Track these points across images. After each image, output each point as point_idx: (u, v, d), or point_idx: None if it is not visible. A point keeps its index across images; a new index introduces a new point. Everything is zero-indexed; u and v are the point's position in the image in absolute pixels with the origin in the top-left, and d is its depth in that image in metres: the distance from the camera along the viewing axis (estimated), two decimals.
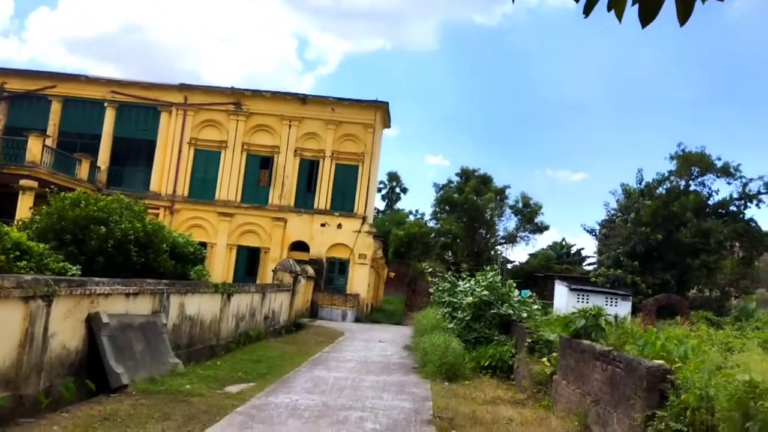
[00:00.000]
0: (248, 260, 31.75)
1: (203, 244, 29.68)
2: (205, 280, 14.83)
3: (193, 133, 32.67)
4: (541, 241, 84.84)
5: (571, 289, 37.01)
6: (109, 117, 32.89)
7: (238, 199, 32.06)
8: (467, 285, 17.00)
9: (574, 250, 64.02)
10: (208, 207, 31.88)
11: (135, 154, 34.13)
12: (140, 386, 9.08)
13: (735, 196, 39.68)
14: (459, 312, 16.14)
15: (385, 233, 48.10)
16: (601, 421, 7.76)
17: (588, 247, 78.16)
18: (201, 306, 13.39)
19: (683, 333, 9.17)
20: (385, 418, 8.72)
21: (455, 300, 16.83)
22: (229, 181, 32.11)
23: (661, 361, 6.62)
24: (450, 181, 57.25)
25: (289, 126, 32.18)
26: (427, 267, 20.63)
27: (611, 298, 36.21)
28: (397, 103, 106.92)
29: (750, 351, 9.67)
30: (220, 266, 30.59)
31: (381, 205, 71.03)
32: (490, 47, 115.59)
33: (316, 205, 31.53)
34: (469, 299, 15.82)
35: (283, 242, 31.18)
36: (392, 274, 44.18)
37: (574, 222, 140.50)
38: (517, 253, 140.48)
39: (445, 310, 17.31)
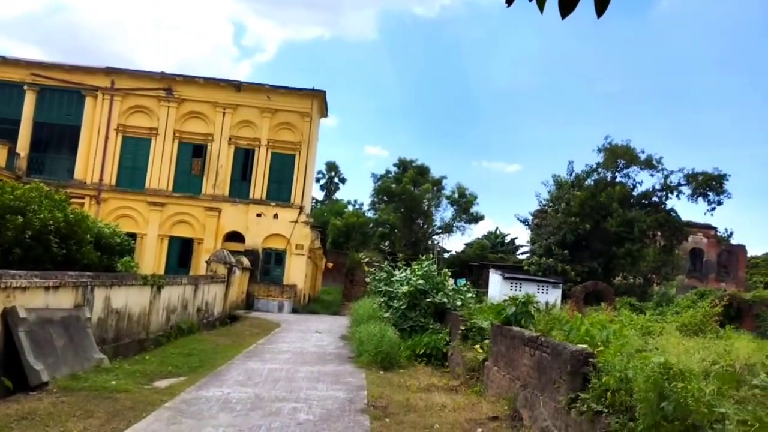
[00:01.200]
0: (181, 251, 30.84)
1: (132, 235, 28.65)
2: (133, 272, 14.30)
3: (120, 119, 31.34)
4: (476, 231, 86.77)
5: (505, 278, 38.09)
6: (29, 101, 31.11)
7: (170, 188, 31.04)
8: (403, 274, 17.15)
9: (508, 239, 65.74)
10: (138, 196, 30.72)
11: (58, 140, 32.42)
12: (62, 383, 8.68)
13: (657, 187, 41.73)
14: (395, 301, 16.27)
15: (324, 223, 47.87)
16: (529, 405, 8.01)
17: (522, 236, 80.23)
18: (129, 299, 12.91)
19: (606, 318, 9.57)
20: (319, 408, 8.69)
21: (391, 289, 16.94)
22: (160, 170, 31.03)
23: (584, 346, 6.87)
24: (388, 172, 57.54)
25: (223, 113, 31.37)
26: (363, 257, 20.60)
27: (542, 286, 37.51)
28: (336, 92, 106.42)
29: (668, 334, 10.24)
30: (151, 258, 29.61)
31: (319, 195, 70.71)
32: (429, 38, 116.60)
33: (251, 195, 30.94)
34: (405, 288, 15.97)
35: (218, 233, 30.48)
36: (330, 265, 44.02)
37: (509, 212, 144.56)
38: (454, 243, 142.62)
39: (382, 300, 17.40)
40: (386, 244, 55.90)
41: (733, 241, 54.59)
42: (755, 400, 5.64)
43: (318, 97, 31.86)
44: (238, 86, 31.61)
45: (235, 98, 31.50)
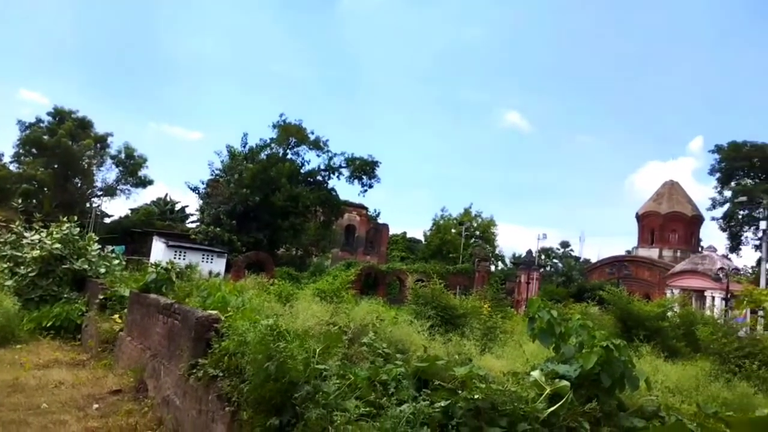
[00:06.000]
0: None
1: None
2: None
3: None
4: (144, 196, 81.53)
5: (169, 246, 36.63)
6: None
7: None
8: (36, 237, 14.86)
9: (179, 207, 63.33)
10: None
11: None
12: None
13: (322, 167, 45.07)
14: (22, 267, 14.01)
15: None
16: (156, 375, 7.66)
17: (194, 205, 78.18)
18: None
19: (243, 285, 9.79)
20: None
21: (19, 254, 14.54)
22: None
23: (212, 311, 6.79)
24: (39, 120, 49.66)
25: None
26: None
27: (208, 255, 37.24)
28: None
29: (303, 299, 11.00)
30: None
31: None
32: None
33: None
34: (36, 253, 13.90)
35: None
36: None
37: (186, 180, 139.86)
38: (117, 207, 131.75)
39: (5, 266, 14.81)
40: (27, 202, 48.33)
41: (380, 220, 62.87)
42: (362, 355, 6.39)
43: None
44: None
45: None
